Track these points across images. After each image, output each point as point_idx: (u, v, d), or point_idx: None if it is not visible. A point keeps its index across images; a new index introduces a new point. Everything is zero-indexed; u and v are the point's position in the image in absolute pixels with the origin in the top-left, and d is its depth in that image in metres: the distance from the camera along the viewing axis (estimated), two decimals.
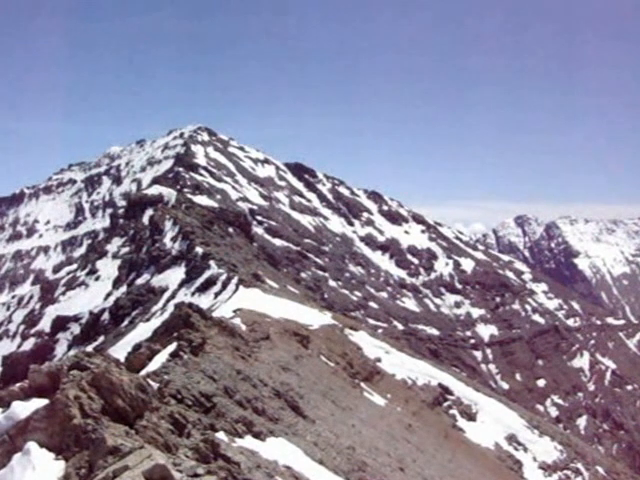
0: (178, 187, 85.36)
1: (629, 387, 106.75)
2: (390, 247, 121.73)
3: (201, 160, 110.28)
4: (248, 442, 14.84)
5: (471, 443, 28.87)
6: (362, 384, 28.12)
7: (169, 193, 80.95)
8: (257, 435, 15.78)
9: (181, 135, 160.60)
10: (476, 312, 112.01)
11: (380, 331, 77.07)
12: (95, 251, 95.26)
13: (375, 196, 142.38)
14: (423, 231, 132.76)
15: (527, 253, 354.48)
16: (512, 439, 32.05)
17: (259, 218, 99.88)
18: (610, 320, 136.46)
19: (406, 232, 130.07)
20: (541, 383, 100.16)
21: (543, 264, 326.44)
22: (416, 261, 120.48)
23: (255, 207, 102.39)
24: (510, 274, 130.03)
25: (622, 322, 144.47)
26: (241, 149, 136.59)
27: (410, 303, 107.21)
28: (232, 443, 14.05)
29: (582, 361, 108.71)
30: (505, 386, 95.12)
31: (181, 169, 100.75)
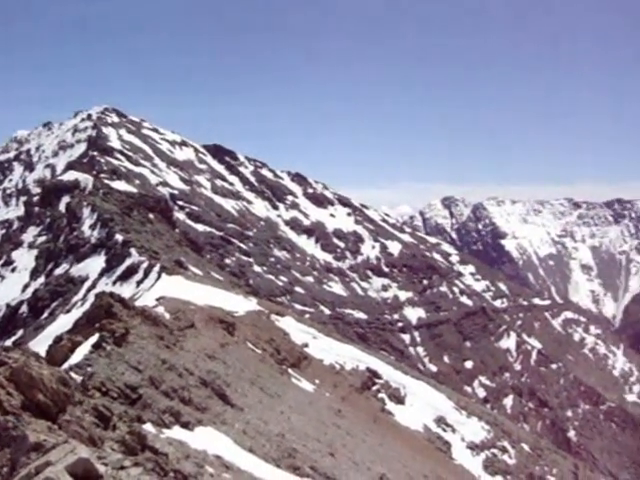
0: (94, 172, 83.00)
1: (554, 366, 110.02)
2: (316, 231, 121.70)
3: (115, 143, 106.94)
4: (176, 432, 14.65)
5: (400, 426, 29.27)
6: (290, 370, 28.13)
7: (85, 179, 78.61)
8: (185, 425, 15.59)
9: (89, 117, 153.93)
10: (403, 295, 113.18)
11: (307, 316, 77.28)
12: (10, 241, 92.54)
13: (299, 179, 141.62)
14: (349, 214, 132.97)
15: (454, 235, 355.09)
16: (441, 421, 32.64)
17: (180, 203, 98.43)
18: (536, 301, 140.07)
19: (332, 215, 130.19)
20: (469, 364, 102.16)
21: (470, 245, 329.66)
22: (342, 244, 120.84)
23: (176, 192, 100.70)
24: (437, 256, 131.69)
25: (548, 302, 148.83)
26: (155, 131, 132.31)
27: (337, 287, 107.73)
28: (160, 434, 13.84)
29: (509, 342, 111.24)
30: (433, 368, 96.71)
31: (95, 153, 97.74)
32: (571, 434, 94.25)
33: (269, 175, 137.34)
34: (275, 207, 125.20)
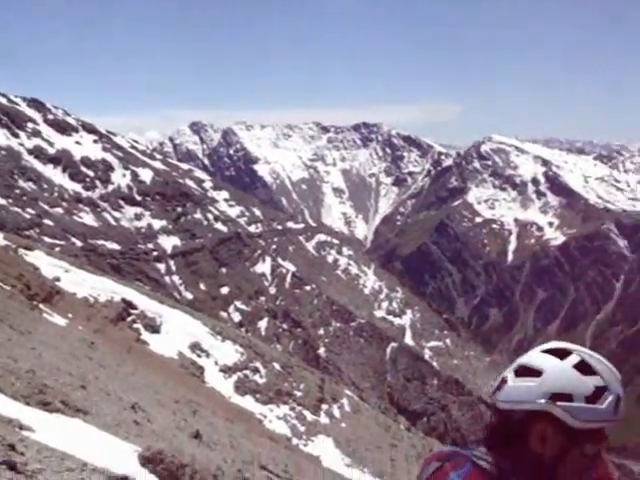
0: None
1: (307, 287, 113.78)
2: (62, 159, 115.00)
3: None
4: None
5: (155, 355, 29.76)
6: (41, 306, 27.46)
7: None
8: None
9: None
10: (157, 224, 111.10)
11: (57, 249, 74.22)
12: None
13: (37, 104, 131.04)
14: (96, 141, 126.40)
15: (206, 161, 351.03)
16: (196, 347, 33.56)
17: None
18: (290, 224, 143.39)
19: (77, 143, 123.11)
20: (225, 290, 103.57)
21: (223, 171, 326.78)
22: (91, 173, 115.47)
23: None
24: (191, 183, 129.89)
25: (302, 226, 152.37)
26: None
27: (88, 218, 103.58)
28: None
29: (264, 266, 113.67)
30: (189, 296, 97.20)
31: None
32: (321, 351, 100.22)
33: (3, 100, 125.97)
34: (15, 135, 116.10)
